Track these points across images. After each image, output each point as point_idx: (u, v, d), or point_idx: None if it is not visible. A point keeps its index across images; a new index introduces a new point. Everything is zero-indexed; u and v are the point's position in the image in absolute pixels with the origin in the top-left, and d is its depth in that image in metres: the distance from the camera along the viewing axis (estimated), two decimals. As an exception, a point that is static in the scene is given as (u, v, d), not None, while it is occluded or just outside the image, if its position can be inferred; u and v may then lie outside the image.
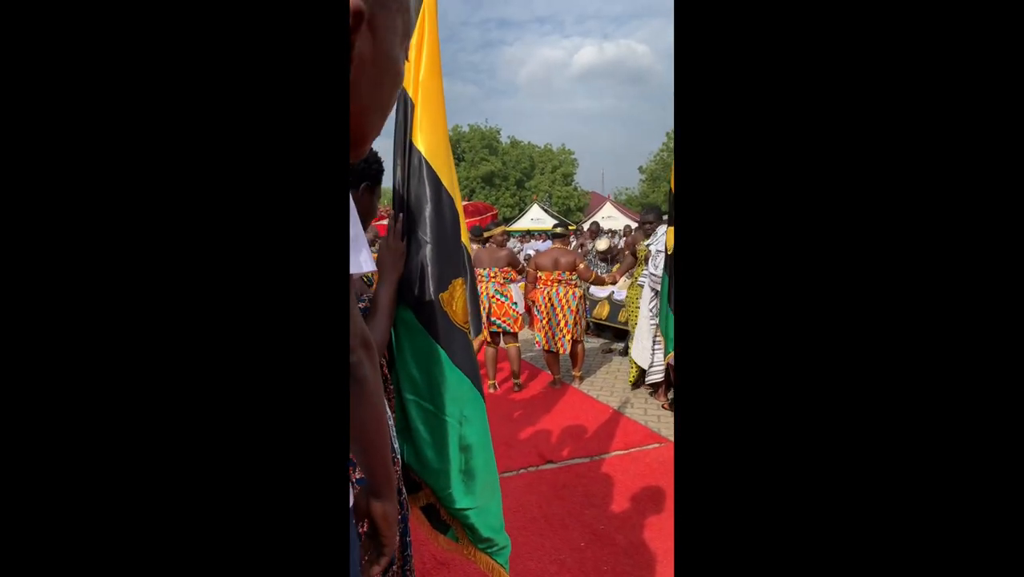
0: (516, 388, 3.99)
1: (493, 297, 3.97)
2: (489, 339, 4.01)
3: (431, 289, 1.17)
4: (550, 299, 4.00)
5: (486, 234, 4.55)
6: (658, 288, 3.25)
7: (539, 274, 4.04)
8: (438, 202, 1.19)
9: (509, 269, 4.02)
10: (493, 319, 3.94)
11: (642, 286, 3.70)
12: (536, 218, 17.06)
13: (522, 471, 2.64)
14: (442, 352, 1.18)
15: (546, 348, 4.03)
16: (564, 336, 3.95)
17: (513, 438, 3.06)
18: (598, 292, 5.47)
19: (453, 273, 1.22)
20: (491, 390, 3.97)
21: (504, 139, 26.27)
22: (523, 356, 4.96)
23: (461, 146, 24.96)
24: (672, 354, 2.79)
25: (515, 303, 4.00)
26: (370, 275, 1.22)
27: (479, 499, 1.24)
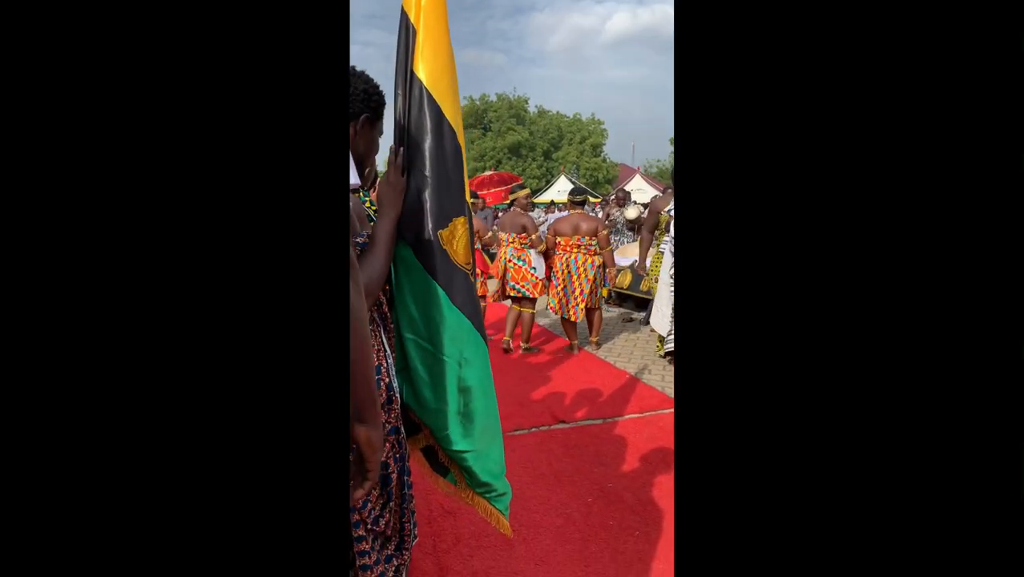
0: (524, 351, 4.01)
1: (510, 261, 3.96)
2: (510, 302, 4.04)
3: (430, 225, 1.14)
4: (567, 265, 3.94)
5: (511, 197, 4.47)
6: (679, 251, 3.15)
7: (558, 239, 3.97)
8: (439, 134, 1.14)
9: (525, 235, 3.98)
10: (511, 283, 3.94)
11: (663, 253, 3.60)
12: (563, 189, 16.81)
13: (534, 429, 2.64)
14: (440, 291, 1.16)
15: (560, 314, 4.01)
16: (578, 304, 3.91)
17: (526, 398, 3.05)
18: (621, 260, 5.36)
19: (455, 211, 1.18)
20: (504, 347, 4.00)
21: (532, 109, 25.76)
22: (542, 322, 4.96)
23: (488, 115, 24.55)
24: None
25: (533, 268, 3.97)
26: (372, 211, 1.19)
27: (477, 442, 1.23)
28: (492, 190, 11.81)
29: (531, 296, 3.94)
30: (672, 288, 3.34)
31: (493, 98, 25.06)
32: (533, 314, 4.07)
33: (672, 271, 3.33)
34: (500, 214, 8.93)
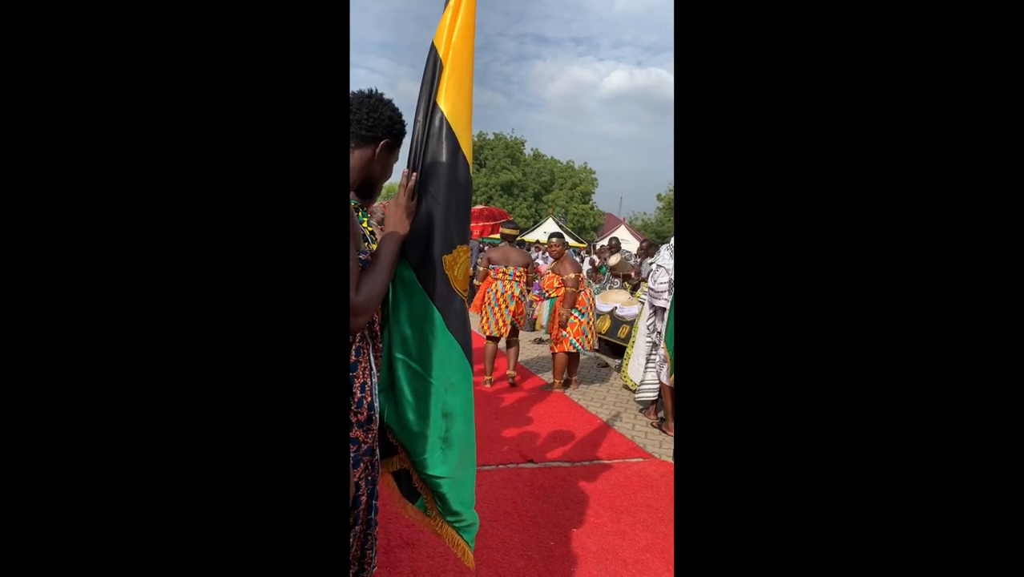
0: (512, 384, 4.03)
1: (516, 297, 3.96)
2: (495, 336, 4.01)
3: (436, 249, 1.17)
4: (588, 299, 4.08)
5: (506, 231, 4.45)
6: (657, 304, 3.23)
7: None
8: (454, 164, 1.19)
9: (527, 271, 4.08)
10: (510, 318, 3.95)
11: (643, 303, 3.68)
12: (548, 231, 17.12)
13: (501, 466, 2.60)
14: (437, 314, 1.17)
15: (587, 349, 4.09)
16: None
17: (496, 434, 3.03)
18: (601, 306, 5.44)
19: (460, 238, 1.21)
20: (486, 385, 3.99)
21: (527, 151, 26.45)
22: (521, 359, 4.96)
23: (484, 152, 25.11)
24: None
25: (530, 304, 4.07)
26: (369, 232, 1.22)
27: (454, 469, 1.22)
28: (480, 224, 11.93)
29: (519, 327, 4.04)
30: (647, 339, 3.40)
31: (491, 136, 25.69)
32: (518, 344, 4.13)
33: (649, 321, 3.40)
34: (486, 247, 8.99)
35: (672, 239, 3.42)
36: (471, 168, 1.25)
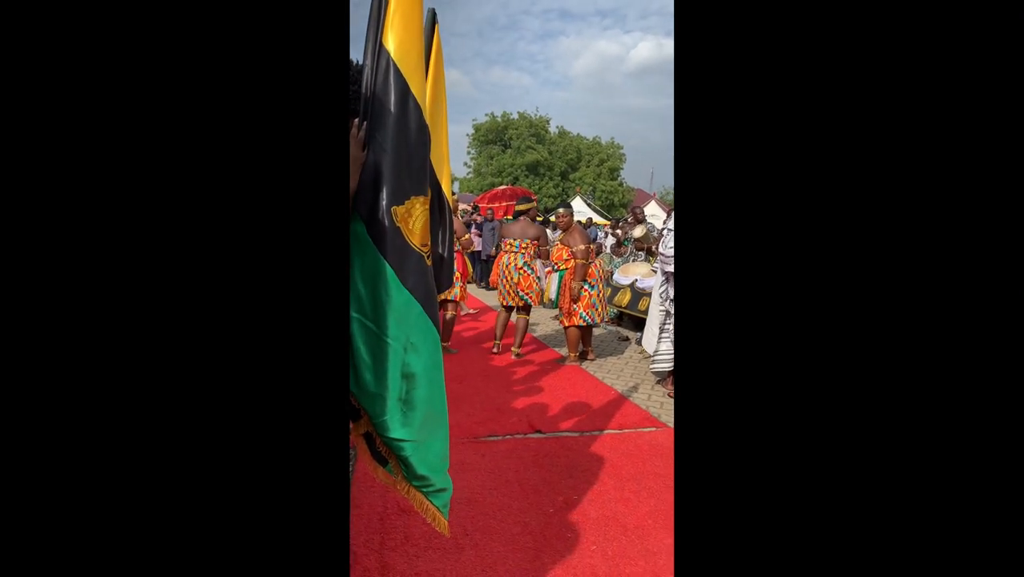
0: (515, 356, 4.03)
1: (521, 269, 3.96)
2: (505, 306, 4.05)
3: (385, 201, 1.11)
4: (599, 271, 4.02)
5: (518, 207, 4.51)
6: (668, 269, 3.09)
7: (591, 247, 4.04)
8: (404, 109, 1.12)
9: (535, 244, 4.04)
10: (519, 292, 3.96)
11: (656, 271, 3.54)
12: (577, 210, 16.86)
13: (507, 437, 2.57)
14: (390, 270, 1.12)
15: (599, 322, 4.02)
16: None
17: (506, 405, 2.99)
18: (621, 279, 5.30)
19: (414, 189, 1.15)
20: (495, 350, 4.06)
21: (553, 129, 25.94)
22: (536, 333, 4.94)
23: (508, 133, 24.78)
24: None
25: (538, 277, 4.06)
26: None
27: (417, 433, 1.18)
28: (504, 204, 11.85)
29: (532, 304, 4.02)
30: (661, 307, 3.28)
31: (515, 116, 25.32)
32: (527, 320, 4.09)
33: (662, 289, 3.27)
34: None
35: None
36: (426, 114, 1.18)
